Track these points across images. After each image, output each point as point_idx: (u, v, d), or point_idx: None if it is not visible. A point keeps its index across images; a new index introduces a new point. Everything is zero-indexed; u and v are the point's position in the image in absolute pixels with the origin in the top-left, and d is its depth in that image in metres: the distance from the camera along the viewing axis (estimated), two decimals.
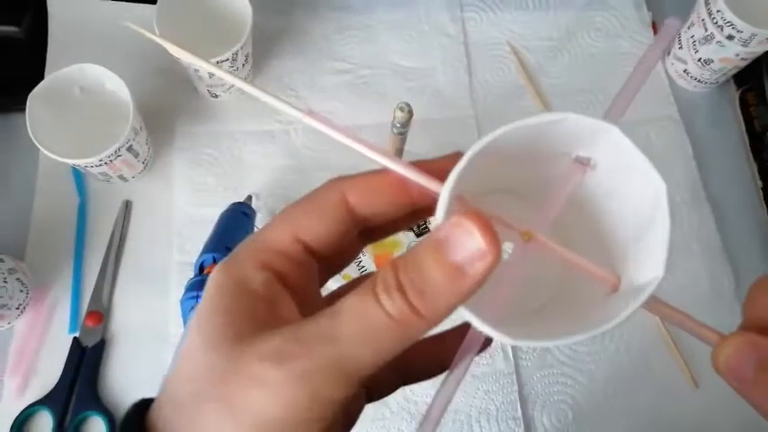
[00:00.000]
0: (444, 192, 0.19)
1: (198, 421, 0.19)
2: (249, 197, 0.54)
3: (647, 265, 0.21)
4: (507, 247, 0.21)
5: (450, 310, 0.18)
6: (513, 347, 0.53)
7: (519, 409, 0.52)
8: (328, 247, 0.22)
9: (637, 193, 0.21)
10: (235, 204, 0.51)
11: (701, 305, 0.56)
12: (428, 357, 0.25)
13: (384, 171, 0.21)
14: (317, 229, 0.21)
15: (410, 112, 0.45)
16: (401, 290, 0.18)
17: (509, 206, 0.25)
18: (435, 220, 0.19)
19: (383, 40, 0.65)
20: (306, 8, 0.65)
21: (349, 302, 0.18)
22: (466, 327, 0.21)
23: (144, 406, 0.21)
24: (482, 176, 0.22)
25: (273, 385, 0.18)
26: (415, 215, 0.23)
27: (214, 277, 0.21)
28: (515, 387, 0.52)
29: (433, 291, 0.18)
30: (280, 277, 0.21)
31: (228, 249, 0.46)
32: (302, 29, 0.65)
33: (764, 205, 0.61)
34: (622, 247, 0.23)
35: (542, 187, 0.23)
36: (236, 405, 0.18)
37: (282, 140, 0.60)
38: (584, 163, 0.22)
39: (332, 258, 0.23)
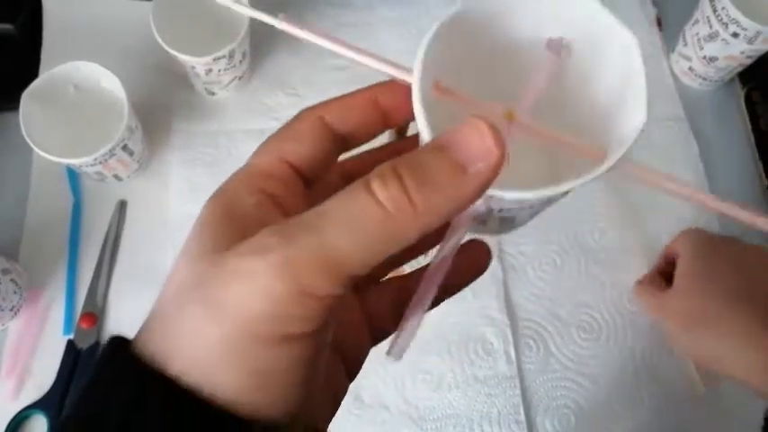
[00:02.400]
0: (416, 67, 0.20)
1: (180, 326, 0.18)
2: None
3: (630, 122, 0.21)
4: None
5: (448, 211, 0.17)
6: (517, 351, 0.53)
7: (522, 413, 0.51)
8: (313, 167, 0.22)
9: (609, 65, 0.22)
10: None
11: None
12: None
13: (354, 92, 0.23)
14: (301, 150, 0.22)
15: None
16: (398, 179, 0.17)
17: (485, 94, 0.24)
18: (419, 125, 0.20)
19: (383, 38, 0.64)
20: (304, 5, 0.65)
21: (338, 195, 0.17)
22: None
23: (121, 341, 0.19)
24: (456, 68, 0.22)
25: (254, 277, 0.16)
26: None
27: (204, 207, 0.21)
28: (518, 391, 0.51)
29: (433, 184, 0.17)
30: (271, 199, 0.21)
31: None
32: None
33: None
34: (602, 128, 0.23)
35: (518, 78, 0.23)
36: (217, 302, 0.17)
37: None
38: (557, 48, 0.22)
39: (317, 181, 0.23)
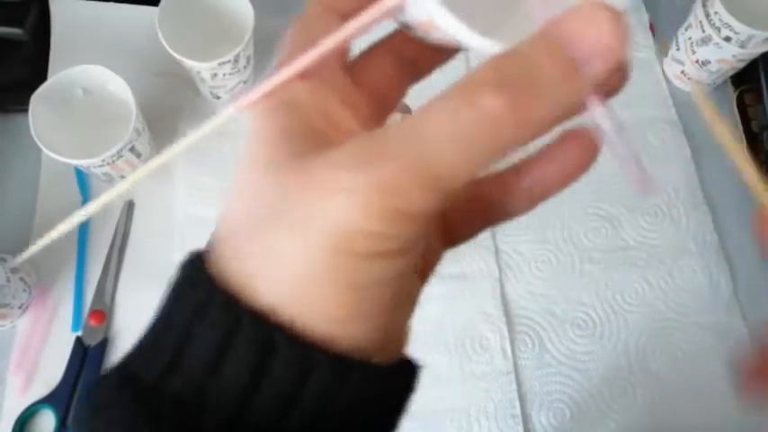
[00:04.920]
0: None
1: (267, 245, 0.16)
2: None
3: None
4: None
5: (558, 117, 0.15)
6: (513, 346, 0.54)
7: (517, 408, 0.52)
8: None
9: None
10: None
11: (698, 305, 0.56)
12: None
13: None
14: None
15: (410, 113, 0.46)
16: (504, 81, 0.15)
17: None
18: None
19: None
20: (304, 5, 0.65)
21: (438, 102, 0.15)
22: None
23: (198, 257, 0.18)
24: None
25: (351, 193, 0.15)
26: None
27: (256, 112, 0.18)
28: (514, 386, 0.53)
29: (544, 86, 0.15)
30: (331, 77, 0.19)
31: None
32: None
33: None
34: None
35: None
36: (309, 218, 0.15)
37: None
38: None
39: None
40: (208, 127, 0.19)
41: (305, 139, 0.17)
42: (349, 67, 0.21)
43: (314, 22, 0.20)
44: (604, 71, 0.15)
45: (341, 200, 0.15)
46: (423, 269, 0.21)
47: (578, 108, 0.16)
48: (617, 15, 0.15)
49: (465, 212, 0.22)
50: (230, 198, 0.18)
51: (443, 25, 0.17)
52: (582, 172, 0.20)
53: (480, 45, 0.17)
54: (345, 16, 0.18)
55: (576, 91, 0.15)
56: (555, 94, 0.15)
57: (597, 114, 0.16)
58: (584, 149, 0.19)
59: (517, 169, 0.20)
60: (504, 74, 0.15)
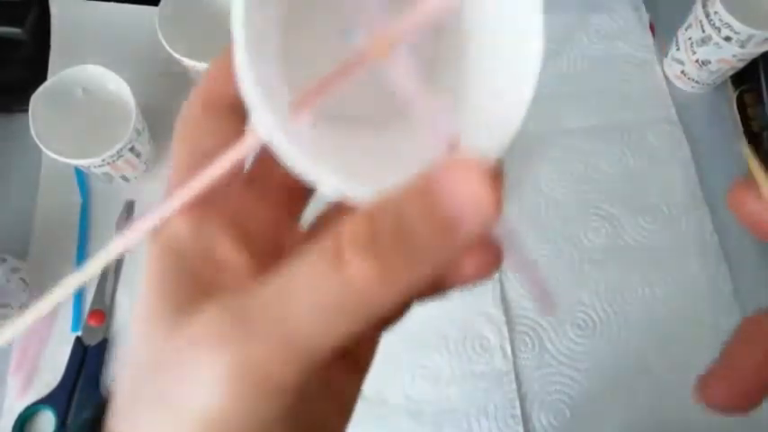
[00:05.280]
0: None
1: (136, 425, 0.16)
2: None
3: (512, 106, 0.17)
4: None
5: (430, 276, 0.15)
6: (513, 346, 0.54)
7: (517, 407, 0.52)
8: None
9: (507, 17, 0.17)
10: None
11: (698, 305, 0.56)
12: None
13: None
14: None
15: None
16: (374, 244, 0.14)
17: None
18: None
19: None
20: None
21: (303, 266, 0.15)
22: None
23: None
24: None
25: (211, 376, 0.14)
26: None
27: (149, 252, 0.18)
28: (514, 386, 0.53)
29: (416, 248, 0.14)
30: (215, 216, 0.17)
31: None
32: None
33: None
34: (491, 87, 0.18)
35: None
36: (172, 403, 0.15)
37: None
38: None
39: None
40: (84, 275, 0.18)
41: (185, 288, 0.16)
42: (255, 169, 0.20)
43: (198, 128, 0.19)
44: (478, 230, 0.14)
45: (199, 387, 0.14)
46: (360, 363, 0.20)
47: (452, 264, 0.15)
48: (491, 173, 0.14)
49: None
50: (128, 353, 0.17)
51: (281, 155, 0.15)
52: (481, 279, 0.19)
53: (331, 187, 0.16)
54: (231, 106, 0.18)
55: (449, 251, 0.15)
56: (427, 256, 0.14)
57: (501, 236, 0.16)
58: (488, 262, 0.18)
59: None
60: (373, 232, 0.14)
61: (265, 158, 0.19)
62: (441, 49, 0.21)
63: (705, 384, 0.19)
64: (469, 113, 0.18)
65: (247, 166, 0.20)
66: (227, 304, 0.15)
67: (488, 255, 0.17)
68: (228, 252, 0.17)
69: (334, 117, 0.19)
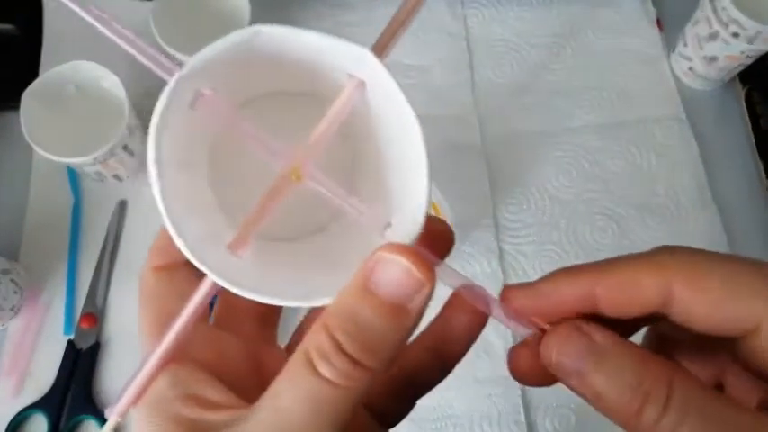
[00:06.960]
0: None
1: None
2: None
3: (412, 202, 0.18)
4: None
5: (397, 350, 0.17)
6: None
7: (522, 413, 0.51)
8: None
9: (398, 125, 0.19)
10: None
11: None
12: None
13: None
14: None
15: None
16: (341, 350, 0.16)
17: (283, 117, 0.22)
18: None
19: None
20: (303, 5, 0.65)
21: (284, 382, 0.17)
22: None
23: None
24: (252, 79, 0.20)
25: None
26: None
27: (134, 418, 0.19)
28: (518, 391, 0.51)
29: (376, 338, 0.16)
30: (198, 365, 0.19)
31: None
32: (299, 26, 0.64)
33: None
34: (401, 180, 0.20)
35: (324, 96, 0.20)
36: None
37: None
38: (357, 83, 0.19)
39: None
40: None
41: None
42: (221, 311, 0.22)
43: (154, 292, 0.20)
44: (424, 301, 0.17)
45: None
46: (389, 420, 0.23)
47: (407, 338, 0.17)
48: (416, 254, 0.16)
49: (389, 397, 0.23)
50: None
51: (234, 291, 0.18)
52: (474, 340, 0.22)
53: (289, 303, 0.18)
54: (182, 260, 0.19)
55: (407, 328, 0.17)
56: (388, 339, 0.16)
57: (465, 292, 0.19)
58: (477, 323, 0.22)
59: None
60: (336, 340, 0.16)
61: (227, 297, 0.22)
62: (349, 153, 0.23)
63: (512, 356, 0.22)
64: (385, 203, 0.20)
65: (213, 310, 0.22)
66: (228, 425, 0.17)
67: (472, 318, 0.21)
68: (211, 387, 0.19)
69: (266, 239, 0.21)
